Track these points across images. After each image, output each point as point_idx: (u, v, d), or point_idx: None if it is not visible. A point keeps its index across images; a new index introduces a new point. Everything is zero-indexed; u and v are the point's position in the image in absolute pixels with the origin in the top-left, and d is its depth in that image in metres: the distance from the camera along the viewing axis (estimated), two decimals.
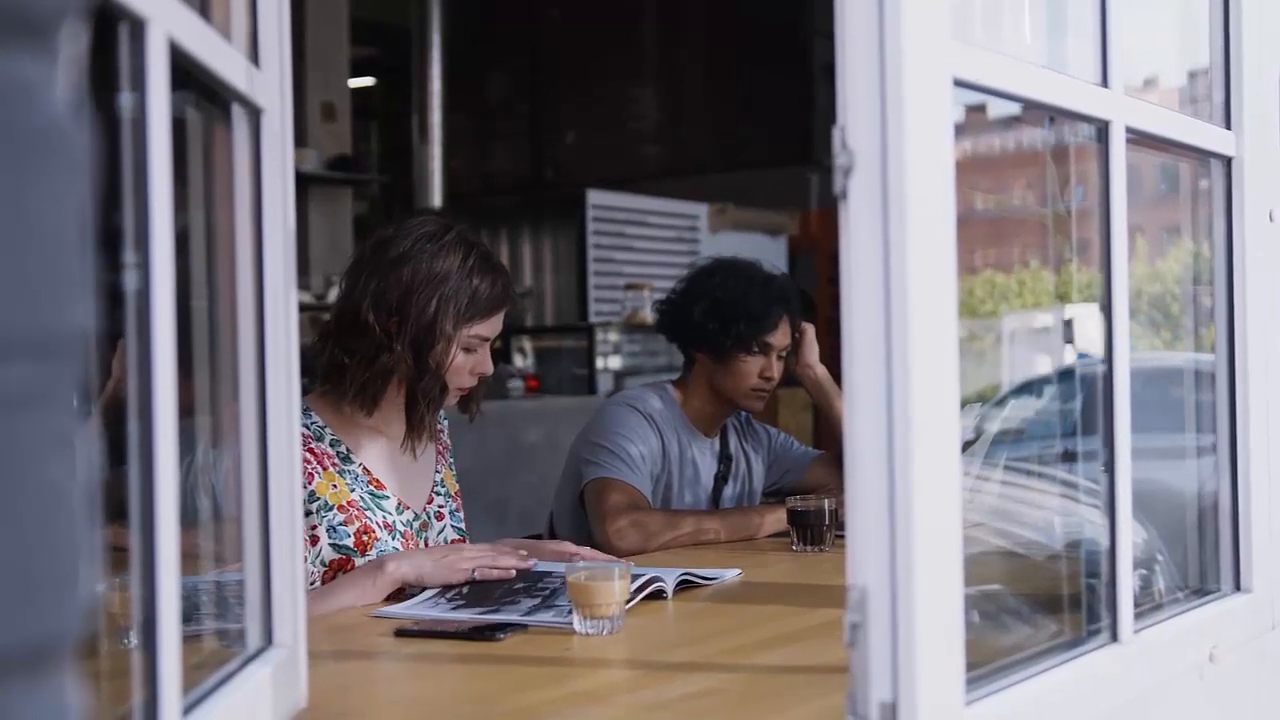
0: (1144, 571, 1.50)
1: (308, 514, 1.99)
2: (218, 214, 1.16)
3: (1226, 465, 1.62)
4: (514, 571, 1.93)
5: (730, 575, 2.08)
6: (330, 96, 7.34)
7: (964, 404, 1.11)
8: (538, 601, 1.81)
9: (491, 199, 9.53)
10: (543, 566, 1.99)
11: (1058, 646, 1.31)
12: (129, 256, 0.85)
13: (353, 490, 2.05)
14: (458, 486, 2.27)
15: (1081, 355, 1.80)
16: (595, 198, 7.44)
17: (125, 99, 0.85)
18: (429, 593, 1.88)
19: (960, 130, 1.09)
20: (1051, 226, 1.69)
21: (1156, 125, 1.46)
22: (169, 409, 0.87)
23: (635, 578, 1.81)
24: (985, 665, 1.15)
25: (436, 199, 7.86)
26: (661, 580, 1.89)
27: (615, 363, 6.80)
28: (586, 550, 2.16)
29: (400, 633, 1.70)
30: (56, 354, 0.59)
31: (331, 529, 2.01)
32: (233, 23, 1.14)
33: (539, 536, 2.66)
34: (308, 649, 1.25)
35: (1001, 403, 2.05)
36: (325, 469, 2.03)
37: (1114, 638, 1.33)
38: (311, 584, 1.97)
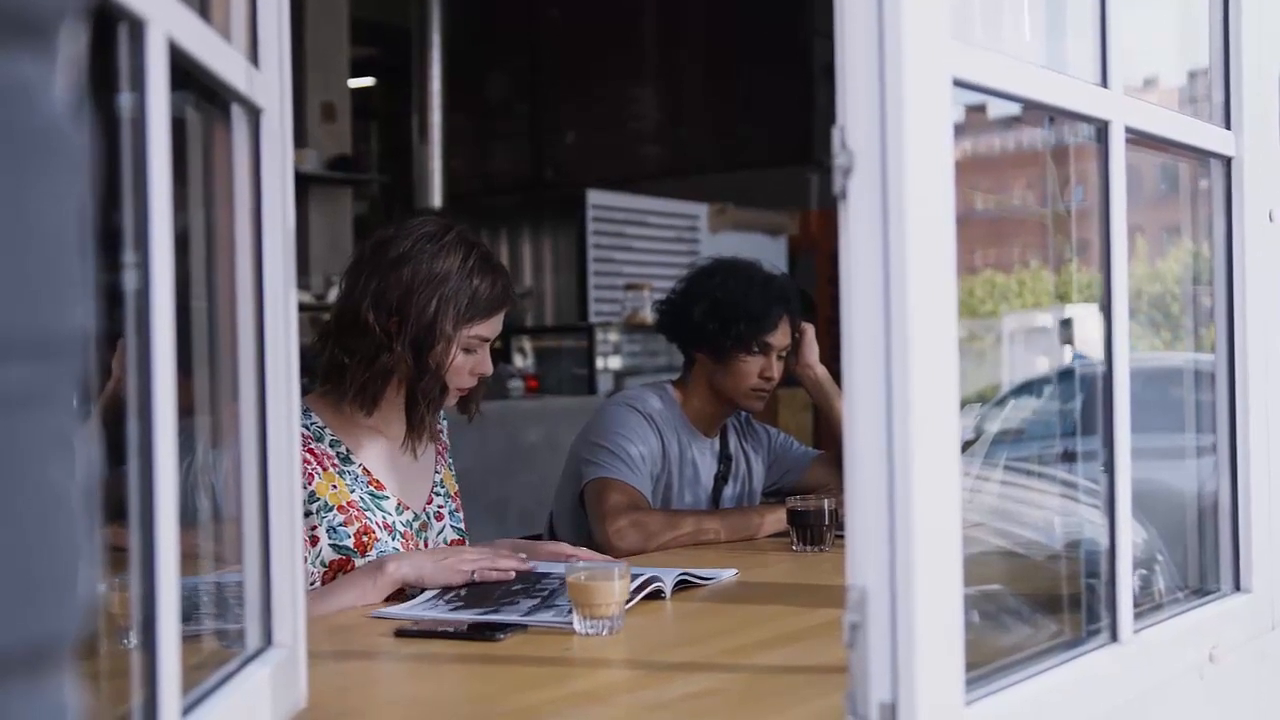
0: (1144, 571, 1.50)
1: (307, 514, 1.99)
2: (217, 214, 1.16)
3: (1226, 465, 1.62)
4: (513, 573, 1.93)
5: (727, 575, 2.08)
6: (330, 96, 7.34)
7: (964, 404, 1.11)
8: (537, 602, 1.81)
9: (491, 199, 9.52)
10: (542, 567, 1.99)
11: (1057, 646, 1.31)
12: (129, 256, 0.85)
13: (352, 491, 2.05)
14: (457, 487, 2.27)
15: (1077, 356, 1.80)
16: (595, 198, 7.44)
17: (125, 99, 0.85)
18: (428, 594, 1.88)
19: (960, 130, 1.09)
20: (1051, 226, 1.69)
21: (1156, 125, 1.46)
22: (169, 409, 0.87)
23: (634, 578, 1.81)
24: (985, 665, 1.15)
25: (436, 199, 7.87)
26: (660, 580, 1.89)
27: (615, 363, 6.80)
28: (583, 551, 2.17)
29: (400, 633, 1.70)
30: (56, 354, 0.59)
31: (331, 529, 2.01)
32: (232, 23, 1.14)
33: (539, 537, 2.66)
34: (307, 649, 1.25)
35: (1001, 403, 2.05)
36: (325, 469, 2.03)
37: (1114, 638, 1.33)
38: (311, 584, 1.97)
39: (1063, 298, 1.77)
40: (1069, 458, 1.66)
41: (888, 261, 1.00)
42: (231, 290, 1.16)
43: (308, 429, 2.05)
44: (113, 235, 0.84)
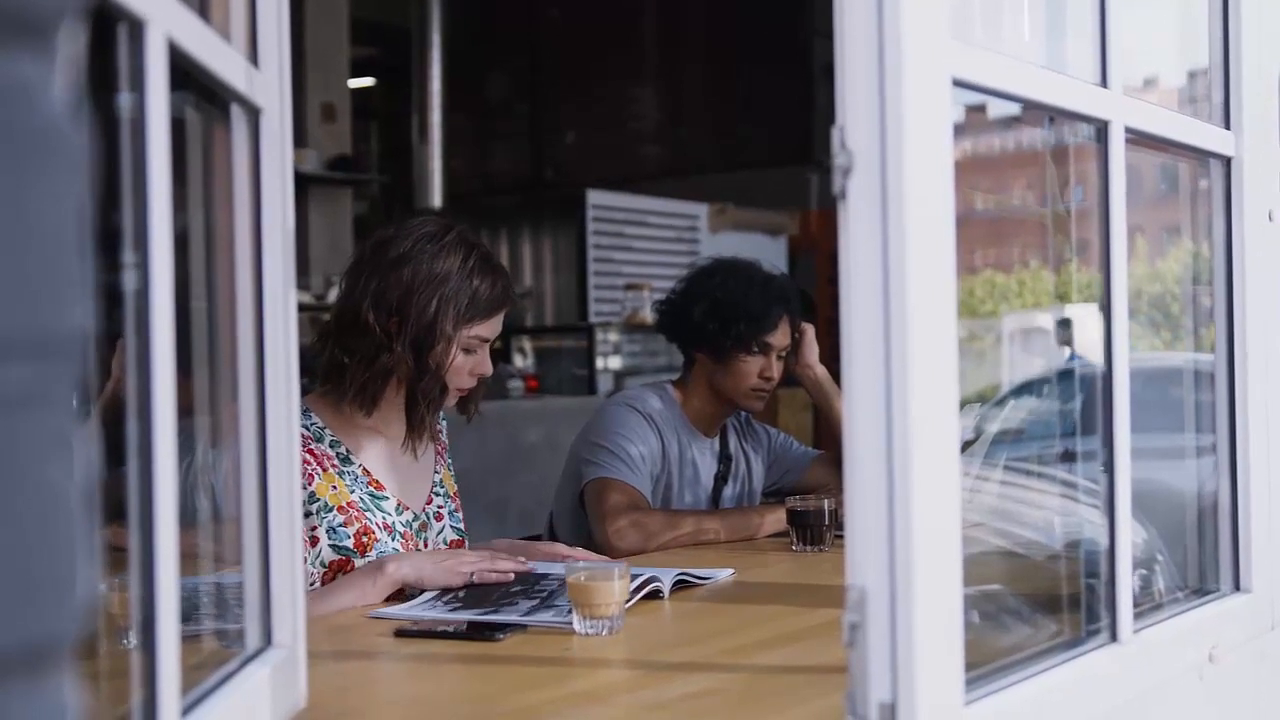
0: (1144, 571, 1.50)
1: (307, 515, 1.99)
2: (217, 214, 1.16)
3: (1226, 465, 1.62)
4: (512, 575, 1.93)
5: (724, 575, 2.08)
6: (330, 97, 7.34)
7: (964, 404, 1.11)
8: (536, 603, 1.81)
9: (491, 199, 9.53)
10: (541, 568, 1.99)
11: (1057, 646, 1.31)
12: (128, 257, 0.85)
13: (352, 491, 2.05)
14: (456, 487, 2.27)
15: (1072, 357, 1.80)
16: (595, 198, 7.45)
17: (124, 99, 0.85)
18: (427, 594, 1.88)
19: (960, 130, 1.09)
20: (1051, 226, 1.69)
21: (1156, 125, 1.46)
22: (168, 409, 0.87)
23: (633, 578, 1.81)
24: (985, 665, 1.15)
25: (436, 199, 7.87)
26: (659, 580, 1.90)
27: (615, 363, 6.81)
28: (579, 551, 2.17)
29: (400, 633, 1.70)
30: (55, 354, 0.59)
31: (331, 530, 2.01)
32: (232, 23, 1.14)
33: (539, 537, 2.67)
34: (307, 649, 1.25)
35: (1001, 403, 2.05)
36: (325, 470, 2.04)
37: (1113, 638, 1.33)
38: (311, 585, 1.97)
39: (1063, 298, 1.77)
40: (1069, 458, 1.66)
41: (887, 261, 1.00)
42: (231, 290, 1.16)
43: (307, 429, 2.05)
44: (112, 235, 0.84)
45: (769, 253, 7.16)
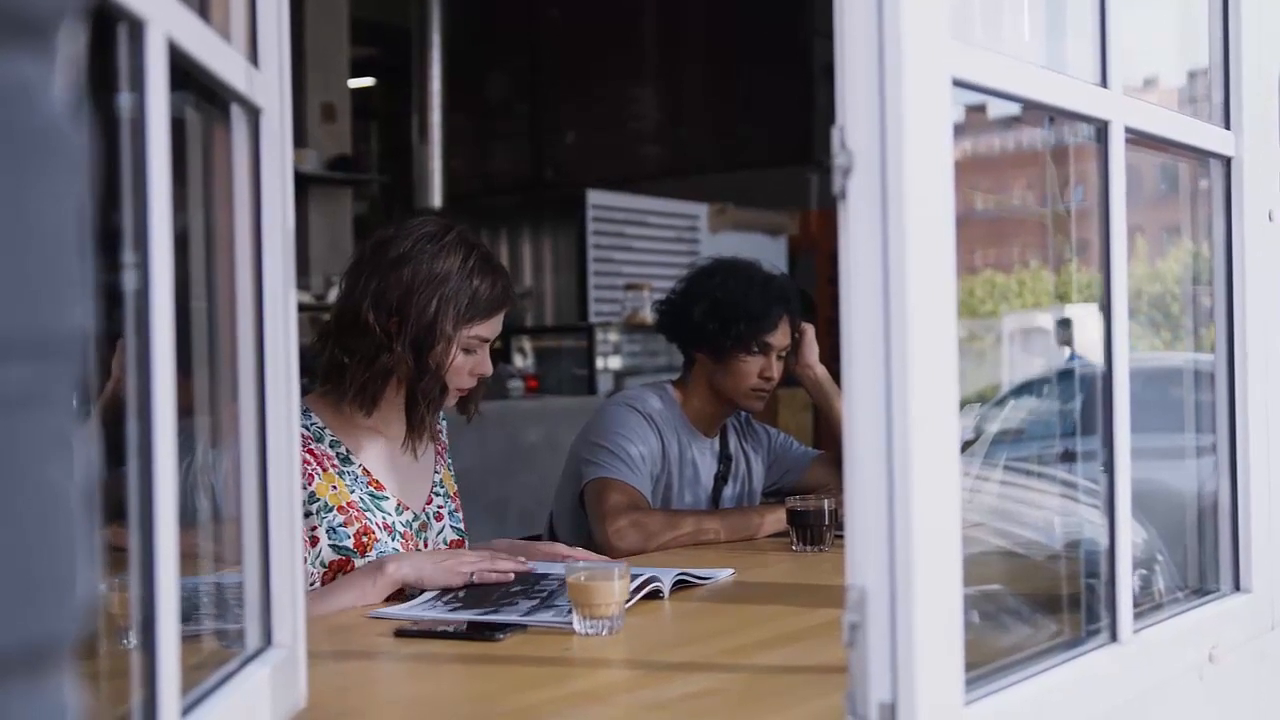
0: (1144, 571, 1.50)
1: (307, 515, 1.99)
2: (217, 214, 1.16)
3: (1226, 465, 1.62)
4: (512, 575, 1.93)
5: (724, 575, 2.08)
6: (330, 97, 7.34)
7: (964, 404, 1.11)
8: (536, 603, 1.81)
9: (491, 199, 9.53)
10: (540, 568, 1.99)
11: (1057, 646, 1.31)
12: (128, 257, 0.85)
13: (352, 491, 2.05)
14: (456, 487, 2.27)
15: (1072, 357, 1.80)
16: (595, 198, 7.45)
17: (124, 99, 0.85)
18: (427, 595, 1.88)
19: (960, 130, 1.09)
20: (1051, 226, 1.69)
21: (1156, 125, 1.46)
22: (168, 409, 0.87)
23: (633, 578, 1.81)
24: (985, 665, 1.15)
25: (436, 199, 7.87)
26: (658, 580, 1.90)
27: (615, 363, 6.81)
28: (579, 551, 2.17)
29: (400, 633, 1.70)
30: (55, 354, 0.59)
31: (331, 530, 2.01)
32: (232, 23, 1.14)
33: (539, 537, 2.67)
34: (307, 649, 1.25)
35: (1001, 403, 2.05)
36: (325, 470, 2.04)
37: (1113, 638, 1.33)
38: (311, 585, 1.97)
39: (1063, 298, 1.77)
40: (1069, 458, 1.66)
41: (887, 261, 1.00)
42: (231, 290, 1.16)
43: (307, 429, 2.05)
44: (112, 235, 0.84)
45: (769, 253, 7.16)
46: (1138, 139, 1.39)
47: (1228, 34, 1.60)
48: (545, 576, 1.95)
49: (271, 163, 1.18)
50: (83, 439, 0.60)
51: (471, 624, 1.70)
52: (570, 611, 1.67)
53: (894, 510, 1.00)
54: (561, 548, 2.19)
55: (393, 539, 2.06)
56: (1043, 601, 1.50)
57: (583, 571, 1.67)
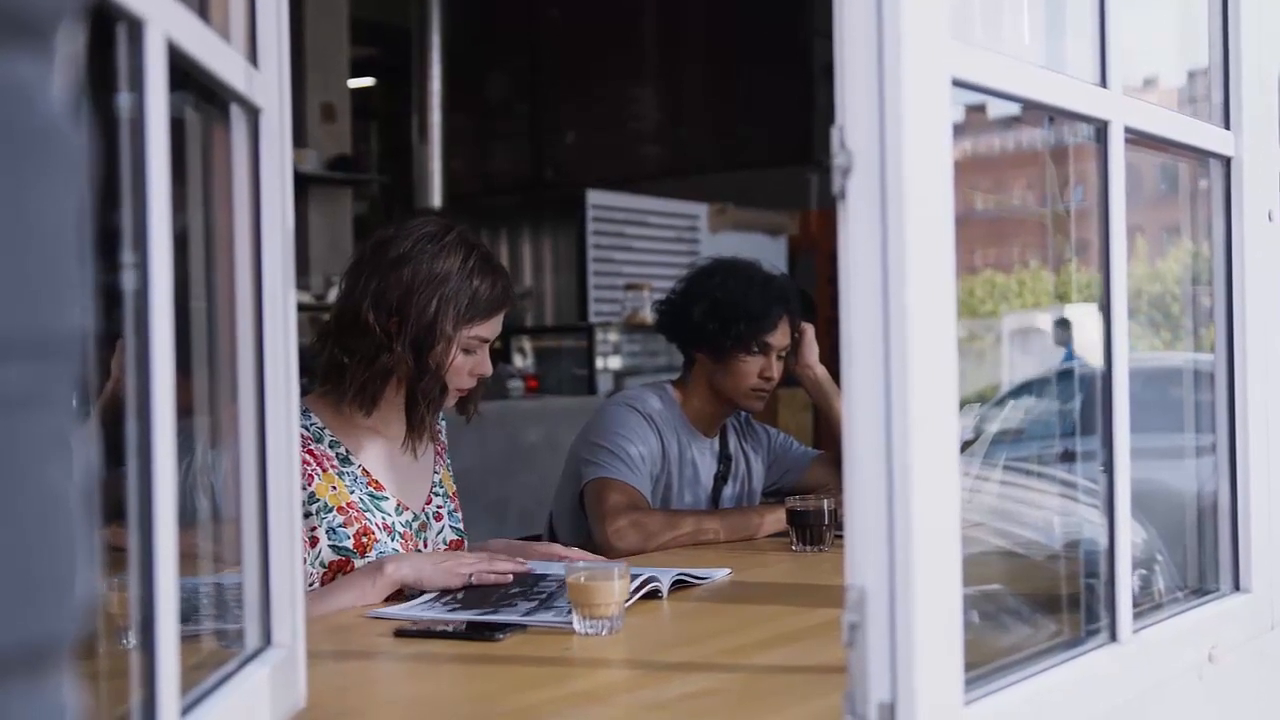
0: (1143, 571, 1.50)
1: (307, 515, 1.99)
2: (216, 214, 1.16)
3: (1225, 465, 1.62)
4: (510, 577, 1.93)
5: (721, 575, 2.08)
6: (330, 97, 7.34)
7: (964, 404, 1.11)
8: (535, 604, 1.81)
9: (491, 199, 9.53)
10: (539, 569, 1.99)
11: (1057, 646, 1.31)
12: (127, 257, 0.85)
13: (352, 492, 2.05)
14: (455, 487, 2.27)
15: (1068, 357, 1.80)
16: (595, 198, 7.45)
17: (124, 99, 0.85)
18: (426, 596, 1.88)
19: (960, 130, 1.09)
20: (1051, 226, 1.69)
21: (1155, 125, 1.46)
22: (167, 409, 0.87)
23: (633, 578, 1.81)
24: (984, 665, 1.15)
25: (436, 199, 7.87)
26: (657, 580, 1.90)
27: (615, 363, 6.81)
28: (574, 551, 2.17)
29: (399, 633, 1.69)
30: (55, 354, 0.59)
31: (331, 530, 2.01)
32: (231, 23, 1.14)
33: (538, 537, 2.66)
34: (306, 649, 1.25)
35: (1001, 403, 2.05)
36: (325, 471, 2.04)
37: (1113, 638, 1.33)
38: (310, 586, 1.97)
39: (1062, 298, 1.77)
40: (1068, 458, 1.66)
41: (886, 261, 1.00)
42: (230, 290, 1.16)
43: (307, 430, 2.05)
44: (112, 235, 0.84)
45: (769, 253, 7.16)
46: (1137, 139, 1.39)
47: (1227, 34, 1.60)
48: (544, 578, 1.95)
49: (271, 163, 1.18)
50: (82, 439, 0.60)
51: (471, 623, 1.70)
52: (569, 613, 1.67)
53: (893, 510, 1.00)
54: (557, 548, 2.19)
55: (392, 539, 2.06)
56: (1042, 601, 1.50)
57: (582, 571, 1.67)
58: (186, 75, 0.97)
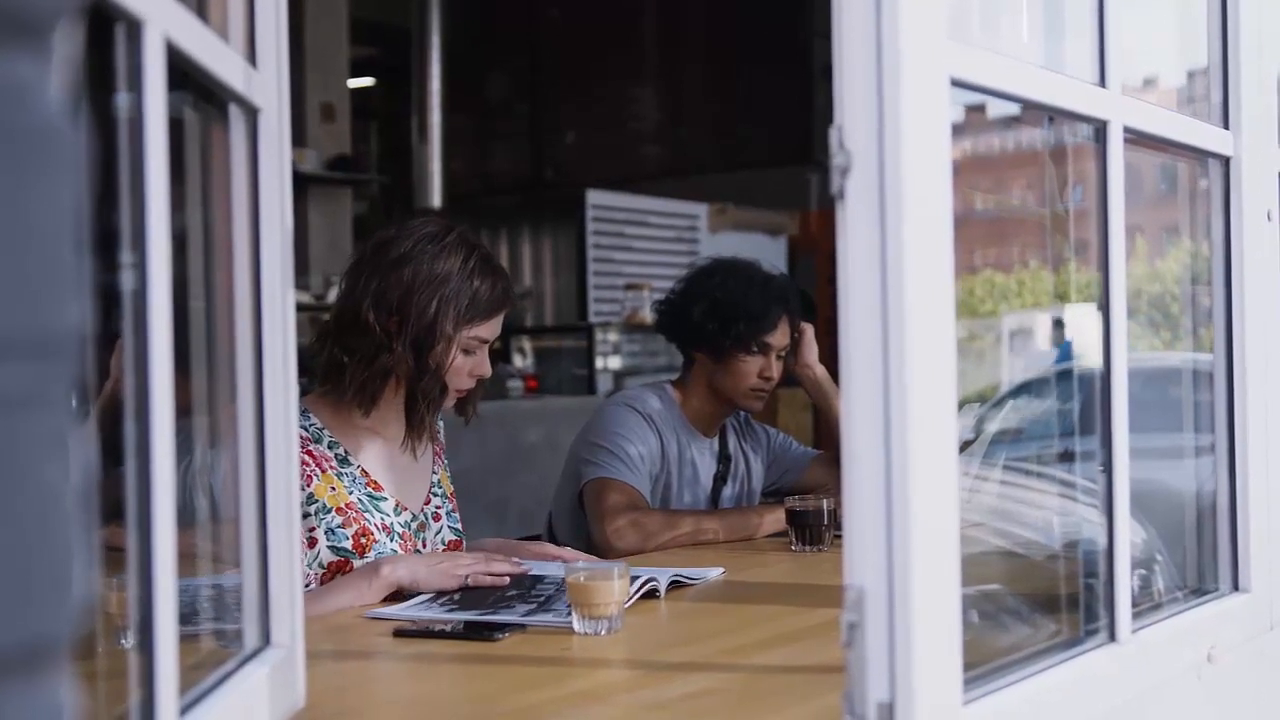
0: (1142, 571, 1.50)
1: (306, 516, 1.99)
2: (215, 214, 1.16)
3: (1225, 465, 1.62)
4: (507, 579, 1.93)
5: (714, 574, 2.09)
6: (330, 96, 7.34)
7: (963, 404, 1.11)
8: (533, 607, 1.80)
9: (491, 199, 9.53)
10: (536, 569, 1.99)
11: (1056, 646, 1.31)
12: (126, 257, 0.85)
13: (351, 492, 2.05)
14: (453, 488, 2.27)
15: (1064, 354, 1.80)
16: (595, 198, 7.45)
17: (122, 99, 0.85)
18: (424, 597, 1.88)
19: (959, 130, 1.09)
20: (1051, 226, 1.69)
21: (1154, 125, 1.46)
22: (166, 409, 0.87)
23: (633, 578, 1.81)
24: (983, 665, 1.15)
25: (436, 199, 7.86)
26: (655, 580, 1.90)
27: (615, 363, 6.81)
28: (568, 551, 2.17)
29: (399, 633, 1.69)
30: (53, 354, 0.59)
31: (330, 531, 2.01)
32: (230, 23, 1.14)
33: (538, 537, 2.66)
34: (305, 649, 1.25)
35: (1001, 403, 2.05)
36: (324, 471, 2.03)
37: (1112, 637, 1.33)
38: (308, 586, 1.97)
39: (1062, 298, 1.77)
40: (1068, 458, 1.66)
41: (885, 262, 1.00)
42: (229, 290, 1.16)
43: (306, 430, 2.05)
44: (110, 235, 0.84)
45: (769, 253, 7.16)
46: (1136, 139, 1.39)
47: (1226, 34, 1.60)
48: (541, 580, 1.95)
49: (270, 163, 1.18)
50: (81, 439, 0.60)
51: (471, 623, 1.70)
52: (568, 615, 1.67)
53: (892, 510, 1.00)
54: (550, 547, 2.19)
55: (391, 540, 2.06)
56: (1041, 601, 1.50)
57: (582, 571, 1.67)
58: (185, 75, 0.97)
